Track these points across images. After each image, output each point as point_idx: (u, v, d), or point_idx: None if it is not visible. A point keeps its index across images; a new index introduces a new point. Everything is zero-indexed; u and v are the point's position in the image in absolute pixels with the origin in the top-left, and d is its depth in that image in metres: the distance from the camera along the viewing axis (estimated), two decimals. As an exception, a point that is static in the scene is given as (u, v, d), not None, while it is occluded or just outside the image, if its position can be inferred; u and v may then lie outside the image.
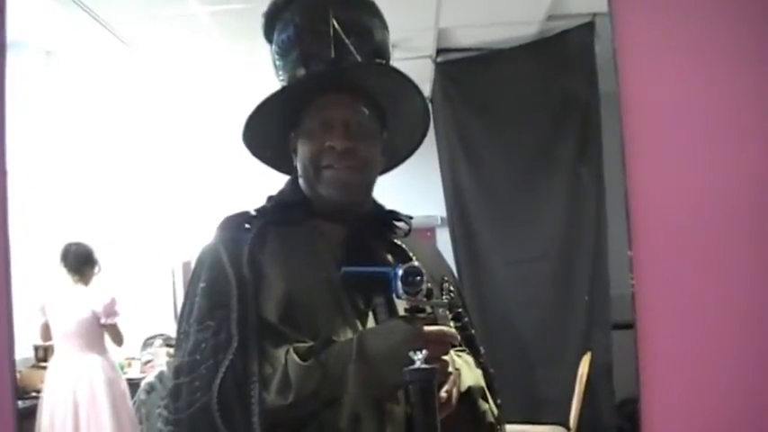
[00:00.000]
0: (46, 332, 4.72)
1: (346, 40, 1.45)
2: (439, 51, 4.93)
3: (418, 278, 1.25)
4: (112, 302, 4.63)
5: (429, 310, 1.27)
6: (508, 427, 1.53)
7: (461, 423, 1.38)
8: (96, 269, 4.75)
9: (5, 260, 1.62)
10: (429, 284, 1.27)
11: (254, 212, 1.52)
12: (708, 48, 1.80)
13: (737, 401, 1.85)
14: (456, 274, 1.76)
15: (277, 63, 1.53)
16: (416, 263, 1.27)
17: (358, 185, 1.49)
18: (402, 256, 1.50)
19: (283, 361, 1.30)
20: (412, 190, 4.33)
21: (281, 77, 1.53)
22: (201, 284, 1.40)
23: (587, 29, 4.48)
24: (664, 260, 1.80)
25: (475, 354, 1.51)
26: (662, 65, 1.79)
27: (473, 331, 1.54)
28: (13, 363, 1.69)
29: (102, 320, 4.59)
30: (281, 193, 1.56)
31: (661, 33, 1.80)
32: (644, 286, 1.79)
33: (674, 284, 1.82)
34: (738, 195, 1.81)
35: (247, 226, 1.47)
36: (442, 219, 5.44)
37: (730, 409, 1.85)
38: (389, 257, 1.52)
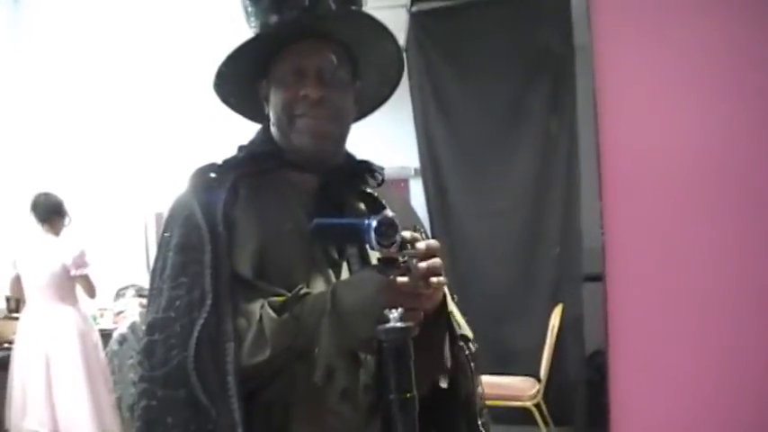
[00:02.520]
0: (16, 286, 4.70)
1: None
2: (414, 1, 4.88)
3: (392, 230, 1.24)
4: (82, 254, 4.60)
5: (402, 260, 1.26)
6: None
7: (435, 343, 1.39)
8: (66, 221, 4.72)
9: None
10: (403, 235, 1.26)
11: (226, 164, 1.50)
12: (683, 4, 1.80)
13: (703, 351, 1.88)
14: (428, 225, 1.75)
15: (248, 9, 1.50)
16: (390, 213, 1.25)
17: (331, 134, 1.47)
18: (375, 206, 1.49)
19: (258, 316, 1.30)
20: (386, 141, 4.33)
21: (253, 24, 1.50)
22: (174, 240, 1.38)
23: (563, -19, 4.45)
24: (633, 212, 1.82)
25: None
26: (635, 20, 1.79)
27: (446, 279, 1.53)
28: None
29: (72, 272, 4.57)
30: (253, 143, 1.54)
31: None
32: (613, 237, 1.81)
33: (643, 236, 1.83)
34: (708, 150, 1.82)
35: (220, 178, 1.45)
36: (415, 170, 5.44)
37: (695, 359, 1.88)
38: (362, 207, 1.51)
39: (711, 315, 1.89)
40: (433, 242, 1.27)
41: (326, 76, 1.44)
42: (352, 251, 1.42)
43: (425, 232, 1.53)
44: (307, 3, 1.41)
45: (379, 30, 1.48)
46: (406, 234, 1.26)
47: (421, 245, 1.24)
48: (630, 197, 1.81)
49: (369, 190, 1.55)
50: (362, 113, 1.60)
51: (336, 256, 1.43)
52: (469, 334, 1.49)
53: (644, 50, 1.80)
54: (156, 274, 1.40)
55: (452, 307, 1.46)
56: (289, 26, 1.44)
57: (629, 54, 1.79)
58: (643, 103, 1.80)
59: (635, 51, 1.79)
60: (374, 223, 1.22)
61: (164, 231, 1.43)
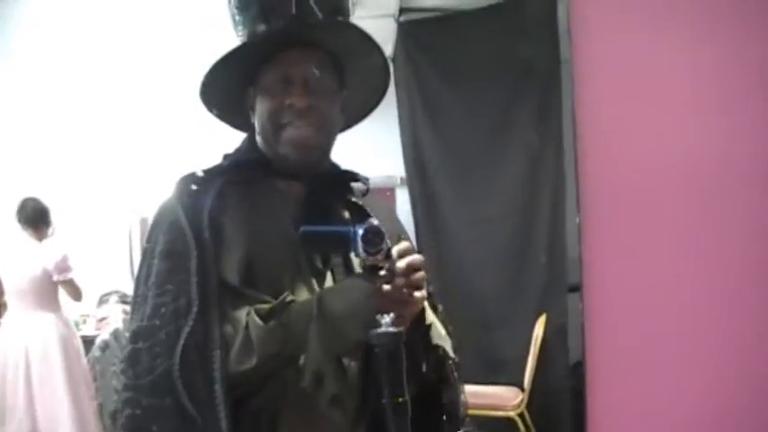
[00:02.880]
0: (-5, 292, 4.68)
1: None
2: (402, 11, 4.89)
3: (378, 237, 1.24)
4: (64, 259, 4.59)
5: (387, 267, 1.26)
6: (462, 387, 1.55)
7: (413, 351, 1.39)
8: (50, 230, 4.70)
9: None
10: (389, 243, 1.26)
11: (212, 171, 1.49)
12: (663, 16, 1.82)
13: (683, 360, 1.89)
14: (414, 234, 1.75)
15: (236, 18, 1.50)
16: (376, 222, 1.26)
17: (317, 144, 1.47)
18: (360, 215, 1.49)
19: (244, 323, 1.30)
20: (372, 150, 4.34)
21: (240, 33, 1.50)
22: (159, 247, 1.37)
23: (551, -8, 4.47)
24: (612, 224, 1.83)
25: (433, 312, 1.51)
26: (615, 32, 1.80)
27: (431, 289, 1.54)
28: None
29: (55, 277, 4.55)
30: (238, 151, 1.54)
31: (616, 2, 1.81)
32: (591, 249, 1.82)
33: (620, 248, 1.84)
34: (688, 162, 1.83)
35: (206, 185, 1.44)
36: (401, 179, 5.44)
37: (676, 368, 1.89)
38: (347, 216, 1.51)
39: (691, 324, 1.90)
40: (417, 256, 1.28)
41: (313, 85, 1.44)
42: (336, 260, 1.43)
43: (410, 241, 1.53)
44: (294, 12, 1.41)
45: (364, 40, 1.49)
46: (404, 245, 1.27)
47: (401, 263, 1.26)
48: (609, 208, 1.82)
49: (354, 199, 1.56)
50: (349, 123, 1.60)
51: (321, 265, 1.43)
52: (449, 349, 1.49)
53: (624, 62, 1.81)
54: (140, 281, 1.39)
55: (432, 318, 1.46)
56: (275, 35, 1.44)
57: (610, 66, 1.80)
58: (622, 115, 1.81)
59: (615, 63, 1.80)
60: (361, 231, 1.23)
61: (148, 238, 1.42)
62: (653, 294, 1.86)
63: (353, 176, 1.56)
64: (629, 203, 1.83)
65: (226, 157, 1.52)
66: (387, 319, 1.20)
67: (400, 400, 1.19)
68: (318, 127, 1.45)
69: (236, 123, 1.60)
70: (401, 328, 1.21)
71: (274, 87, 1.44)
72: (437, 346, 1.46)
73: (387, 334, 1.19)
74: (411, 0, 4.83)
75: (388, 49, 4.91)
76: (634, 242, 1.85)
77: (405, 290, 1.26)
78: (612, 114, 1.80)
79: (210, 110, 1.56)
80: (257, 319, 1.29)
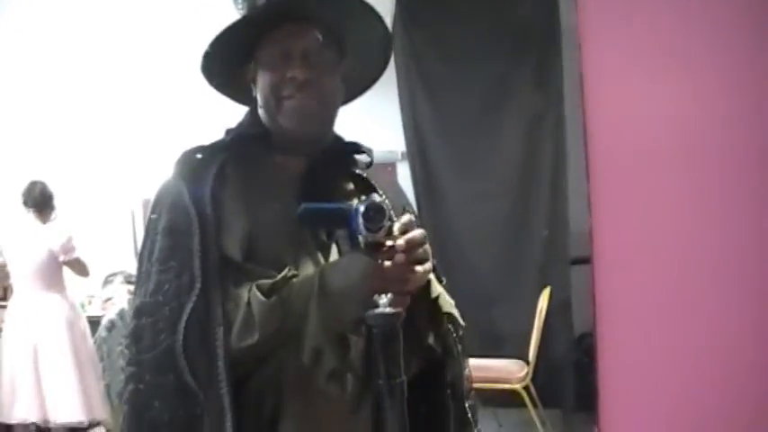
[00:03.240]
0: (1, 274, 4.69)
1: None
2: (399, -16, 4.87)
3: (379, 214, 1.24)
4: (69, 240, 4.59)
5: (389, 244, 1.26)
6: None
7: (418, 324, 1.40)
8: (54, 214, 4.71)
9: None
10: (392, 219, 1.26)
11: (214, 147, 1.49)
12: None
13: (690, 334, 1.89)
14: (416, 208, 1.75)
15: None
16: (378, 198, 1.25)
17: (319, 115, 1.47)
18: (364, 187, 1.50)
19: (246, 299, 1.30)
20: (372, 125, 4.32)
21: (240, 7, 1.49)
22: (162, 223, 1.37)
23: (550, -41, 4.45)
24: (621, 194, 1.81)
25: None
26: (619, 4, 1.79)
27: (434, 262, 1.54)
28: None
29: (61, 258, 4.56)
30: (240, 125, 1.53)
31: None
32: (601, 220, 1.81)
33: (631, 219, 1.83)
34: (699, 131, 1.82)
35: (208, 161, 1.45)
36: (402, 153, 5.42)
37: (683, 342, 1.89)
38: (352, 188, 1.51)
39: (699, 299, 1.90)
40: (418, 231, 1.28)
41: (313, 58, 1.43)
42: (341, 233, 1.42)
43: (414, 213, 1.52)
44: None
45: (366, 11, 1.48)
46: (405, 219, 1.27)
47: (400, 241, 1.24)
48: (618, 179, 1.80)
49: (358, 171, 1.55)
50: (351, 95, 1.59)
51: (325, 238, 1.43)
52: (457, 314, 1.49)
53: (631, 25, 1.79)
54: (143, 257, 1.39)
55: (440, 289, 1.46)
56: (274, 8, 1.44)
57: (616, 33, 1.78)
58: (631, 84, 1.79)
59: (622, 31, 1.78)
60: (362, 208, 1.22)
61: (151, 214, 1.42)
62: (663, 267, 1.86)
63: (357, 148, 1.56)
64: (638, 174, 1.82)
65: (228, 131, 1.52)
66: (384, 299, 1.20)
67: (396, 380, 1.19)
68: (319, 99, 1.44)
69: (238, 97, 1.60)
70: (399, 309, 1.20)
71: (275, 61, 1.44)
72: (446, 315, 1.45)
73: (383, 315, 1.19)
74: (408, -26, 4.81)
75: (386, 22, 4.89)
76: (643, 213, 1.84)
77: (406, 266, 1.26)
78: (620, 82, 1.79)
79: (212, 83, 1.56)
80: (259, 294, 1.29)
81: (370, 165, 1.57)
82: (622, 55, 1.77)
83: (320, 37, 1.44)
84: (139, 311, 1.35)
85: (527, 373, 4.37)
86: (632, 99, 1.79)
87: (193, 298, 1.29)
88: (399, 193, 1.67)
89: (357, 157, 1.57)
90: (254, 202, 1.41)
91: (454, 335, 1.48)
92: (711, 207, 1.85)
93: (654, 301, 1.87)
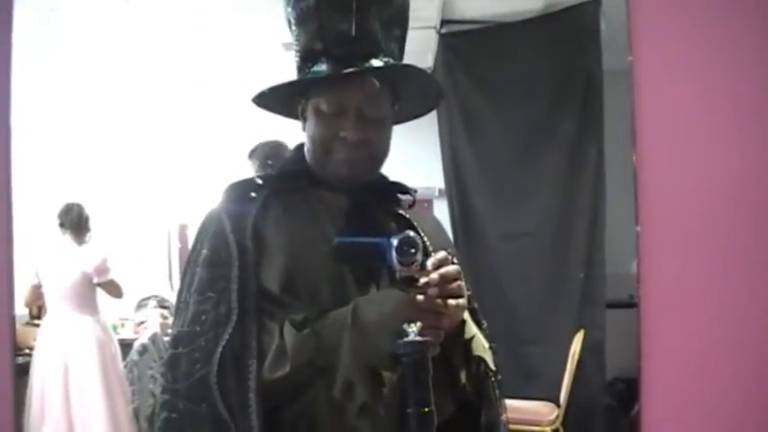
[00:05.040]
0: (33, 295, 4.72)
1: (368, 11, 1.42)
2: (443, 22, 4.89)
3: (413, 249, 1.25)
4: (103, 261, 4.64)
5: (422, 279, 1.26)
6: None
7: (452, 363, 1.39)
8: (89, 236, 4.76)
9: (8, 219, 1.62)
10: (431, 251, 1.27)
11: (259, 181, 1.51)
12: (723, 32, 1.79)
13: (738, 383, 1.86)
14: (453, 246, 1.75)
15: (293, 30, 1.50)
16: (412, 233, 1.27)
17: (368, 170, 1.49)
18: (406, 227, 1.50)
19: (279, 331, 1.31)
20: (410, 161, 4.32)
21: (296, 45, 1.49)
22: (203, 254, 1.40)
23: (594, 5, 4.44)
24: (670, 240, 1.80)
25: (477, 328, 1.50)
26: (676, 44, 1.78)
27: (475, 305, 1.53)
28: (12, 319, 1.71)
29: (96, 280, 4.60)
30: (286, 162, 1.56)
31: (676, 12, 1.78)
32: (649, 265, 1.79)
33: (678, 265, 1.81)
34: (748, 181, 1.80)
35: (252, 194, 1.46)
36: (439, 190, 5.42)
37: (730, 388, 1.86)
38: (393, 226, 1.51)
39: (745, 345, 1.87)
40: (452, 267, 1.28)
41: (367, 116, 1.43)
42: (380, 270, 1.42)
43: (454, 253, 1.52)
44: (353, 34, 1.41)
45: (426, 80, 1.50)
46: (440, 255, 1.27)
47: (433, 275, 1.25)
48: (668, 225, 1.79)
49: (400, 211, 1.56)
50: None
51: (365, 275, 1.43)
52: (491, 361, 1.48)
53: (686, 70, 1.78)
54: (183, 287, 1.41)
55: (475, 331, 1.45)
56: (341, 78, 1.43)
57: (671, 73, 1.77)
58: (684, 128, 1.78)
59: (677, 71, 1.77)
60: (395, 242, 1.24)
61: (194, 245, 1.45)
62: (712, 311, 1.83)
63: (401, 188, 1.57)
64: (688, 221, 1.80)
65: (274, 167, 1.54)
66: (413, 328, 1.20)
67: (425, 410, 1.19)
68: (370, 157, 1.46)
69: (286, 113, 1.60)
70: (428, 338, 1.21)
71: (327, 114, 1.44)
72: (478, 359, 1.45)
73: (412, 343, 1.20)
74: (453, 11, 4.83)
75: (428, 60, 4.92)
76: (693, 259, 1.82)
77: (439, 300, 1.26)
78: (673, 127, 1.78)
79: (260, 105, 1.56)
80: (291, 327, 1.30)
81: (412, 205, 1.57)
82: (677, 99, 1.76)
83: (376, 92, 1.44)
84: (176, 340, 1.36)
85: (557, 416, 4.32)
86: (687, 149, 1.78)
87: (229, 329, 1.31)
88: (442, 233, 1.68)
89: (400, 196, 1.57)
90: (295, 235, 1.42)
91: (492, 378, 1.47)
92: (761, 256, 1.83)
93: (699, 346, 1.84)
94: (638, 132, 1.71)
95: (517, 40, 4.78)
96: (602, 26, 4.35)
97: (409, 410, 1.20)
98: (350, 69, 1.39)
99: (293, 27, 1.49)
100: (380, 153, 1.50)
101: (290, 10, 1.49)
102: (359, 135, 1.42)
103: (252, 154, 3.81)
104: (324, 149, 1.45)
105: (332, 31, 1.42)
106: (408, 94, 1.53)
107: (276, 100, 1.53)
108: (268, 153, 3.81)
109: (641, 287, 1.77)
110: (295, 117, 1.54)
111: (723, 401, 1.85)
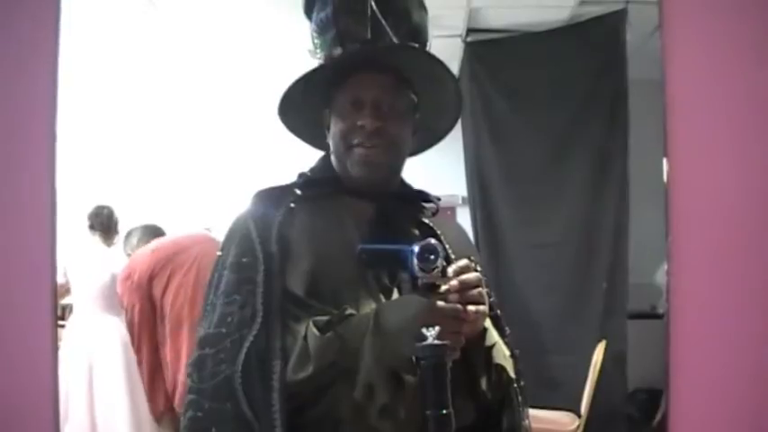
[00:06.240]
0: (59, 294, 4.76)
1: (383, 21, 1.47)
2: (469, 31, 4.90)
3: (433, 256, 1.27)
4: (131, 263, 4.68)
5: (445, 287, 1.29)
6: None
7: (473, 370, 1.41)
8: (117, 238, 4.81)
9: (52, 223, 1.66)
10: (453, 258, 1.29)
11: (284, 187, 1.54)
12: (757, 41, 1.78)
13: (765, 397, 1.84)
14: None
15: (315, 41, 1.55)
16: (433, 241, 1.29)
17: (385, 164, 1.51)
18: (428, 234, 1.52)
19: (303, 334, 1.33)
20: (433, 169, 4.33)
21: (318, 55, 1.55)
22: (230, 258, 1.44)
23: (619, 16, 4.45)
24: (702, 251, 1.79)
25: (500, 335, 1.52)
26: (709, 59, 1.78)
27: (498, 312, 1.56)
28: (55, 318, 1.74)
29: (124, 282, 4.64)
30: (313, 170, 1.59)
31: (709, 30, 1.78)
32: (680, 276, 1.79)
33: (711, 277, 1.80)
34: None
35: (279, 201, 1.50)
36: (462, 198, 5.42)
37: (758, 403, 1.84)
38: (417, 234, 1.54)
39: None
40: (473, 274, 1.30)
41: (384, 108, 1.48)
42: (403, 276, 1.45)
43: (479, 262, 1.54)
44: (369, 36, 1.45)
45: (436, 66, 1.51)
46: (461, 263, 1.29)
47: (454, 282, 1.29)
48: (699, 238, 1.78)
49: (425, 220, 1.58)
50: (421, 147, 1.63)
51: (388, 281, 1.46)
52: (511, 369, 1.50)
53: (718, 80, 1.78)
54: (211, 290, 1.45)
55: (497, 338, 1.47)
56: (348, 58, 1.48)
57: (703, 84, 1.77)
58: (717, 139, 1.78)
59: (709, 81, 1.77)
60: (416, 249, 1.26)
61: (221, 249, 1.49)
62: (741, 325, 1.83)
63: (425, 197, 1.60)
64: (718, 227, 1.80)
65: (300, 175, 1.57)
66: (432, 331, 1.22)
67: (444, 412, 1.21)
68: (387, 148, 1.49)
69: (313, 142, 1.65)
70: (446, 342, 1.23)
71: (346, 109, 1.49)
72: (499, 366, 1.46)
73: (431, 346, 1.22)
74: (479, 20, 4.84)
75: (454, 68, 4.92)
76: (723, 268, 1.81)
77: (459, 306, 1.28)
78: (705, 137, 1.78)
79: (288, 126, 1.61)
80: (315, 329, 1.33)
81: (435, 213, 1.60)
82: (710, 112, 1.76)
83: (392, 87, 1.48)
84: (203, 342, 1.40)
85: (578, 426, 4.31)
86: (719, 160, 1.78)
87: (254, 331, 1.34)
88: (467, 242, 1.70)
89: (424, 204, 1.60)
90: (321, 241, 1.45)
91: (515, 385, 1.49)
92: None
93: (730, 360, 1.83)
94: (670, 143, 1.72)
95: (543, 49, 4.79)
96: (628, 36, 4.35)
97: (428, 413, 1.22)
98: (357, 48, 1.48)
99: (316, 41, 1.55)
100: (398, 146, 1.53)
101: (313, 26, 1.55)
102: (374, 123, 1.47)
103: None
104: (344, 142, 1.50)
105: (348, 36, 1.48)
106: (428, 102, 1.55)
107: (302, 114, 1.58)
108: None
109: (672, 299, 1.76)
110: (321, 143, 1.58)
111: (754, 417, 1.84)
